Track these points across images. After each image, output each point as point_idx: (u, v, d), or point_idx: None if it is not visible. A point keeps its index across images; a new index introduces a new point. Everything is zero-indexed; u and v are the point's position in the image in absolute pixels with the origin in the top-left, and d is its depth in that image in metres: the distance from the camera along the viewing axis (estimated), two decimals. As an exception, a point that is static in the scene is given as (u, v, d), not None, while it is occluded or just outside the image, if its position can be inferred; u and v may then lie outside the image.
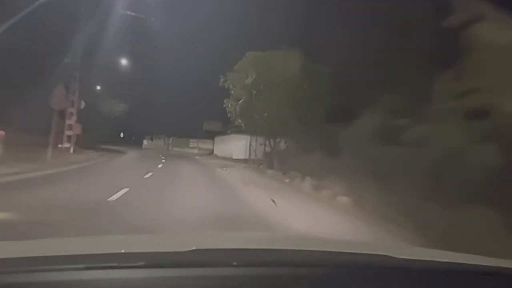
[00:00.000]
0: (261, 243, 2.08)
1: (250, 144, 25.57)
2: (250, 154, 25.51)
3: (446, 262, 1.55)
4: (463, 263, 1.57)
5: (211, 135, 50.53)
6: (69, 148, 19.69)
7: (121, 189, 9.37)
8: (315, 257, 1.54)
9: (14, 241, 1.67)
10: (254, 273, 1.31)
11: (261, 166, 18.58)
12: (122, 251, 1.49)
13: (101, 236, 3.23)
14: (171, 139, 63.14)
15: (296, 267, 1.36)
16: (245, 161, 25.62)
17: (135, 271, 1.24)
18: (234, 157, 30.50)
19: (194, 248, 1.40)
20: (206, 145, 51.68)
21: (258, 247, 1.81)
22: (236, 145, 31.11)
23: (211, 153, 43.62)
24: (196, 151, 51.19)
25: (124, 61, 43.87)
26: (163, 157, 30.72)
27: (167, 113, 72.44)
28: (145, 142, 77.06)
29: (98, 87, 41.54)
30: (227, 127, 45.90)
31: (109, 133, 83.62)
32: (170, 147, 62.24)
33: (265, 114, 15.43)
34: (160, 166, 18.80)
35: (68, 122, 19.93)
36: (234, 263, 1.32)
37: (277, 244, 2.01)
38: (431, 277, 1.40)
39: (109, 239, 2.11)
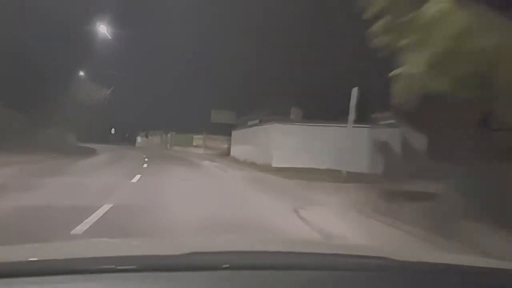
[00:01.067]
0: (257, 245, 1.95)
1: (375, 140, 11.29)
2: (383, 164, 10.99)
3: (444, 264, 1.54)
4: (461, 265, 1.55)
5: (222, 129, 36.65)
6: None
7: None
8: (311, 259, 1.50)
9: (4, 246, 1.56)
10: (250, 276, 1.28)
11: None
12: (115, 254, 1.43)
13: (93, 240, 2.79)
14: (169, 135, 48.65)
15: (291, 269, 1.34)
16: (346, 179, 10.75)
17: (128, 275, 1.21)
18: (275, 165, 16.36)
19: (189, 251, 1.38)
20: (214, 142, 37.49)
21: (254, 249, 1.73)
22: (284, 143, 16.81)
23: (226, 154, 29.51)
24: (201, 151, 37.15)
25: (103, 30, 30.14)
26: (145, 164, 16.97)
27: (166, 103, 57.49)
28: (139, 139, 62.60)
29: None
30: (247, 118, 32.16)
31: (97, 129, 71.15)
32: (168, 146, 47.83)
33: None
34: (99, 214, 4.85)
35: None
36: (229, 266, 1.27)
37: (273, 247, 1.87)
38: (429, 279, 1.38)
39: (101, 243, 2.00)
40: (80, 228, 4.71)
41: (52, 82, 25.77)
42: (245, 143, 24.00)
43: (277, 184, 11.61)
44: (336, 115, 13.86)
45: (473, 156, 6.48)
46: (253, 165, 19.03)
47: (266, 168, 16.22)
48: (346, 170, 11.52)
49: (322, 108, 17.17)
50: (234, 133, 29.27)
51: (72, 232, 4.52)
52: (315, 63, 19.32)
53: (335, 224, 5.84)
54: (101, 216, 5.43)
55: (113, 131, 69.75)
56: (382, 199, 7.46)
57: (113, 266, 1.21)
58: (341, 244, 3.39)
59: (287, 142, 16.56)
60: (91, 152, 27.10)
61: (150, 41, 44.99)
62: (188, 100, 49.77)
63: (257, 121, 25.00)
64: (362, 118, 12.61)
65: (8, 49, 19.95)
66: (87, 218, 5.19)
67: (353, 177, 10.88)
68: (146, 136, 57.86)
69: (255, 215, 6.41)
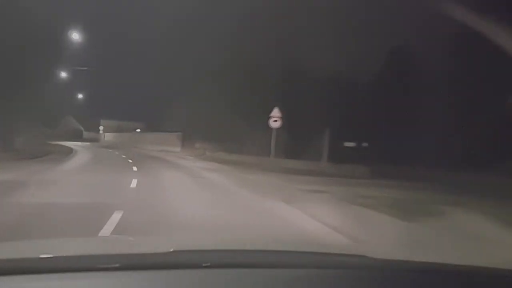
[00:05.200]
0: (240, 244, 2.01)
1: None
2: None
3: (422, 262, 1.53)
4: (439, 263, 1.54)
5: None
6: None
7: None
8: (292, 257, 1.52)
9: None
10: (231, 274, 1.30)
11: None
12: (98, 253, 1.46)
13: (77, 238, 2.87)
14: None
15: (272, 268, 1.35)
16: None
17: (111, 274, 1.22)
18: None
19: (172, 249, 1.39)
20: None
21: (236, 248, 1.76)
22: None
23: None
24: None
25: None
26: None
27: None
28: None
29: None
30: None
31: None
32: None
33: None
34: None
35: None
36: (210, 264, 1.30)
37: (256, 245, 1.95)
38: (407, 277, 1.38)
39: (85, 241, 2.06)
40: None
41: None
42: None
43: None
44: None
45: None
46: None
47: None
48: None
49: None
50: None
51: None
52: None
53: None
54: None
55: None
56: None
57: (95, 265, 1.21)
58: (322, 242, 3.67)
59: None
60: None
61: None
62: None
63: None
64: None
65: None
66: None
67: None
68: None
69: None
